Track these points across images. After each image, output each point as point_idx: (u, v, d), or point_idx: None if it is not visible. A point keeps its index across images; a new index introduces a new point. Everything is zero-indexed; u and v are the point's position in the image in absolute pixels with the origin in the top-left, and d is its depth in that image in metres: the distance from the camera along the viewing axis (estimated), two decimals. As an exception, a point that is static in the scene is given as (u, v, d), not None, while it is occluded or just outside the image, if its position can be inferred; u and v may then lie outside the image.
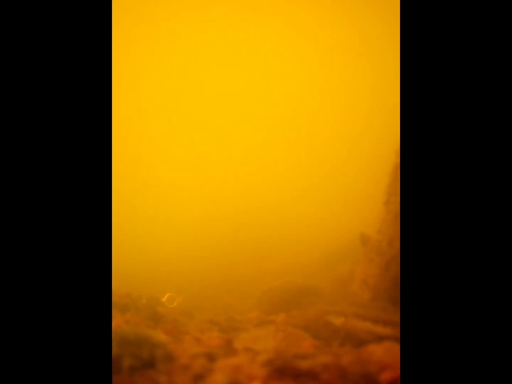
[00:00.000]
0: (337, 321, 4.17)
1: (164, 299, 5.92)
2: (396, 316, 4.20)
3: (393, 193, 3.47)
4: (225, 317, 4.99)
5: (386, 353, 2.12)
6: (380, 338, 3.34)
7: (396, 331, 3.83)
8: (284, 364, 2.08)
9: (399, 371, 2.00)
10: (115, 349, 1.96)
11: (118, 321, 3.20)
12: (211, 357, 2.25)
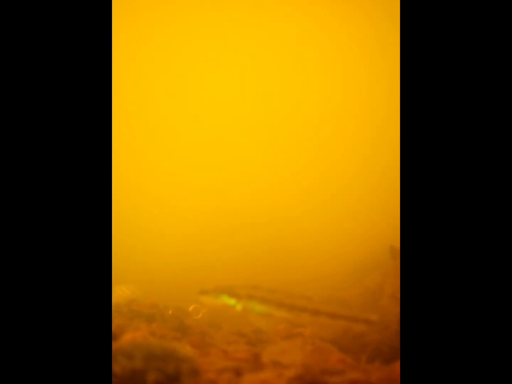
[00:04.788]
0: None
1: (190, 310, 5.91)
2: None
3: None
4: (252, 328, 4.94)
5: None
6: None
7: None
8: (312, 380, 2.03)
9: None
10: (140, 363, 1.94)
11: (144, 332, 3.18)
12: (237, 372, 2.20)
